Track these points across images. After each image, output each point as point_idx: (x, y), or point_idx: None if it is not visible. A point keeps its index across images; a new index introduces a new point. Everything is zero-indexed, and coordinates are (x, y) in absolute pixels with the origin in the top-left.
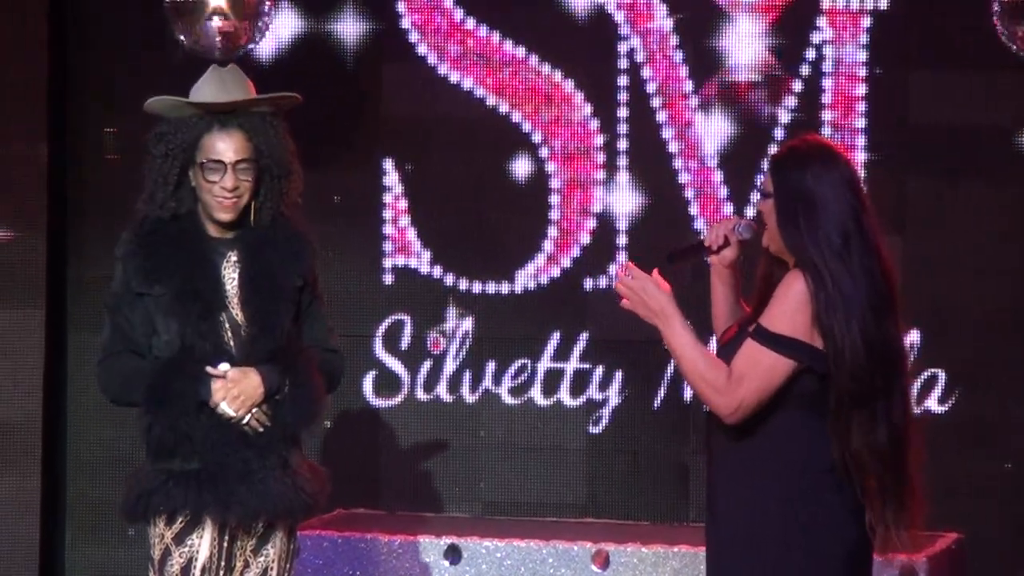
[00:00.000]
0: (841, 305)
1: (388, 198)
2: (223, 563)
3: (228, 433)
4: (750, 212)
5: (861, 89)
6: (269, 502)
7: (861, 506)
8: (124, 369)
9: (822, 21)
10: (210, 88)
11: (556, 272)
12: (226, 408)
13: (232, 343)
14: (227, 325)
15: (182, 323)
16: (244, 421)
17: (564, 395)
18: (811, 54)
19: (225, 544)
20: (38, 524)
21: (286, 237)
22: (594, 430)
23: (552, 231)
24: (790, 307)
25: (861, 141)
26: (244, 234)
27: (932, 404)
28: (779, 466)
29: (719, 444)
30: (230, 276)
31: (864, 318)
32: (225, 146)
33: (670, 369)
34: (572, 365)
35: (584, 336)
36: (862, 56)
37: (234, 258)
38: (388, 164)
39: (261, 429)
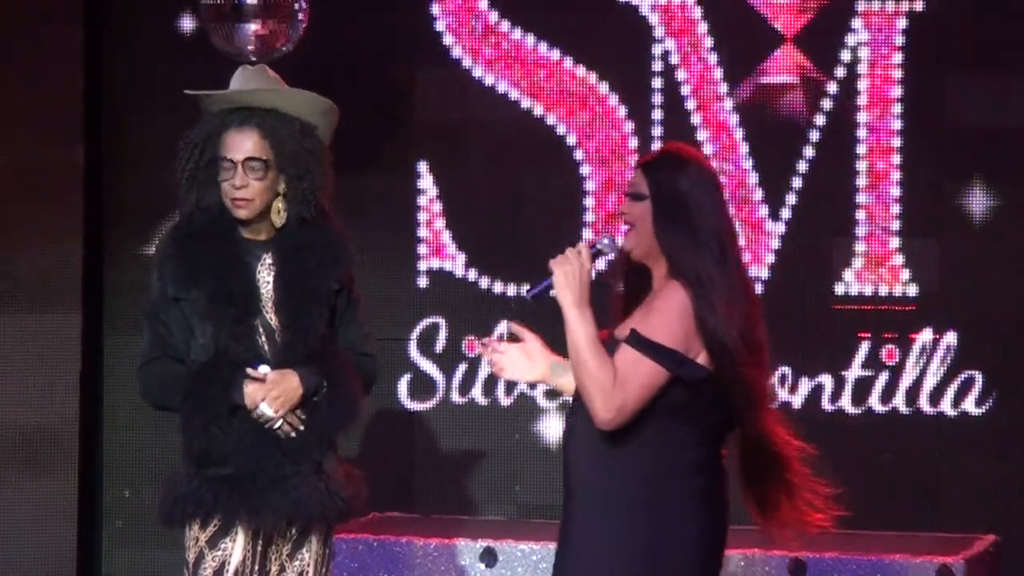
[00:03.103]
0: (722, 308)
1: (423, 201)
2: (256, 567)
3: (262, 438)
4: (786, 213)
5: (897, 91)
6: (302, 508)
7: (717, 506)
8: (162, 374)
9: (857, 23)
10: (233, 85)
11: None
12: (265, 409)
13: (266, 347)
14: (261, 329)
15: (217, 326)
16: (276, 425)
17: None
18: (846, 56)
19: (259, 548)
20: (75, 528)
21: (323, 240)
22: None
23: (587, 233)
24: (670, 317)
25: (897, 143)
26: (279, 237)
27: (969, 407)
28: (645, 473)
29: (581, 454)
30: (264, 279)
31: (741, 321)
32: (236, 144)
33: None
34: None
35: None
36: (898, 58)
37: (268, 261)
38: (423, 167)
39: (294, 433)
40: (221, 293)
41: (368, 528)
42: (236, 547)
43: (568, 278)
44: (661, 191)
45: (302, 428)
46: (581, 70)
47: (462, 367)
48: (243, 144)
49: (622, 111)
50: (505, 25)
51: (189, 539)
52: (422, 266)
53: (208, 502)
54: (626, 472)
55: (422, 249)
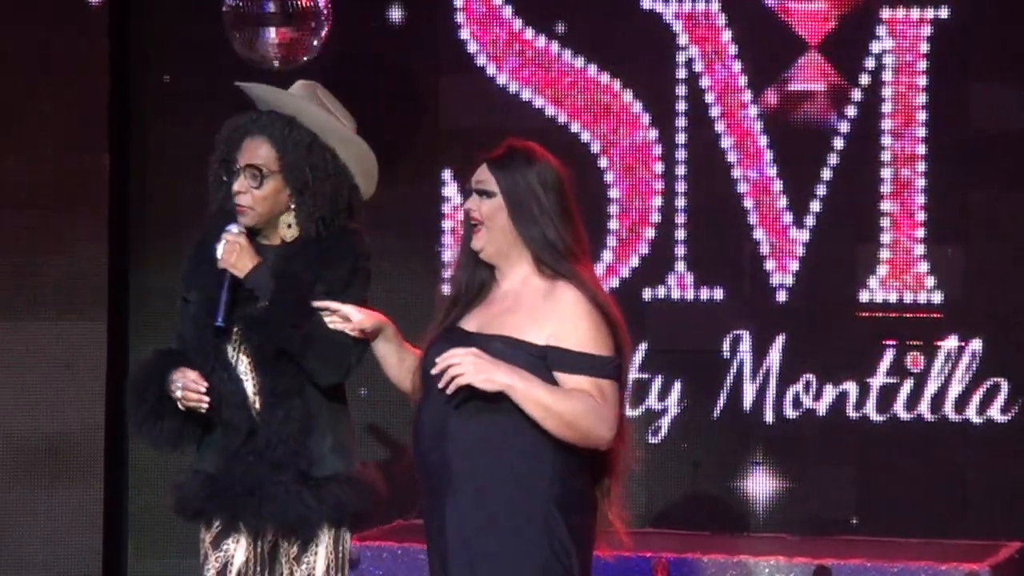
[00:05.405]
0: (604, 296)
1: (447, 209)
2: (260, 569)
3: (241, 444)
4: (810, 220)
5: (921, 98)
6: (276, 517)
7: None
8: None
9: (882, 30)
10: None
11: (615, 282)
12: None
13: (244, 356)
14: (240, 341)
15: (197, 329)
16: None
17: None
18: (871, 63)
19: (264, 550)
20: (101, 536)
21: (328, 249)
22: (653, 440)
23: (611, 241)
24: (586, 323)
25: (921, 150)
26: (290, 245)
27: (995, 413)
28: (554, 471)
29: (480, 467)
30: None
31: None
32: (246, 149)
33: (729, 379)
34: (631, 375)
35: (643, 346)
36: (922, 65)
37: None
38: (447, 175)
39: (204, 407)
40: (207, 300)
41: (392, 535)
42: (239, 548)
43: (488, 370)
44: (516, 187)
45: (207, 401)
46: (605, 78)
47: None
48: (249, 150)
49: (646, 119)
50: (529, 33)
51: (200, 540)
52: (447, 275)
53: (194, 495)
54: (531, 473)
55: (447, 257)
